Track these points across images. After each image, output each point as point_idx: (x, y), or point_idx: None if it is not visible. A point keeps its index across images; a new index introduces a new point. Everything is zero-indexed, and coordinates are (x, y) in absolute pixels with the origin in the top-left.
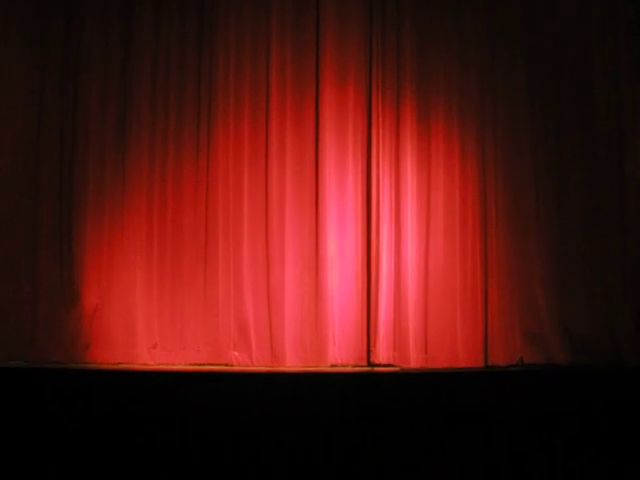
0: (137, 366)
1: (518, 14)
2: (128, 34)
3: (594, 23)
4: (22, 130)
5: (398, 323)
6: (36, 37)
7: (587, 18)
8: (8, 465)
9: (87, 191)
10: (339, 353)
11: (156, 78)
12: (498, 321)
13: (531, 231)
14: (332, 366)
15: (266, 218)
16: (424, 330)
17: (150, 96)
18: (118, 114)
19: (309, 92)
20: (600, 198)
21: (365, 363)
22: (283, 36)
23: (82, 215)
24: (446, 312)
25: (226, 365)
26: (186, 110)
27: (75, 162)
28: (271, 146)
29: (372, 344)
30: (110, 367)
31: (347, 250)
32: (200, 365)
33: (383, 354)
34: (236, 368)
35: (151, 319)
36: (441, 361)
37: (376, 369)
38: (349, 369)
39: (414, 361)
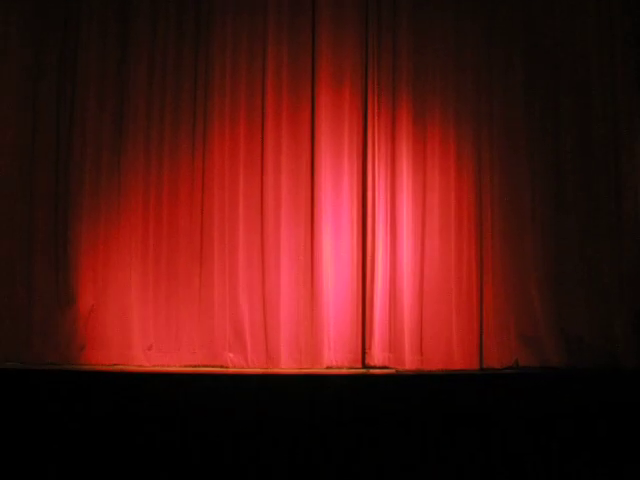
0: (132, 367)
1: (515, 14)
2: (125, 35)
3: (591, 31)
4: (18, 130)
5: (393, 325)
6: (35, 37)
7: (584, 26)
8: (5, 465)
9: (83, 192)
10: (334, 355)
11: (153, 79)
12: (493, 323)
13: (527, 232)
14: (327, 368)
15: (262, 220)
16: (419, 332)
17: (147, 97)
18: (115, 115)
19: (305, 94)
20: (597, 199)
21: (360, 365)
22: (279, 37)
23: (78, 216)
24: (441, 314)
25: (221, 367)
26: (182, 111)
27: (71, 163)
28: (267, 147)
29: (367, 346)
30: (105, 368)
31: (342, 252)
32: (195, 367)
33: (378, 356)
34: (231, 370)
35: (146, 321)
36: (436, 363)
37: (371, 371)
38: (344, 371)
39: (409, 363)
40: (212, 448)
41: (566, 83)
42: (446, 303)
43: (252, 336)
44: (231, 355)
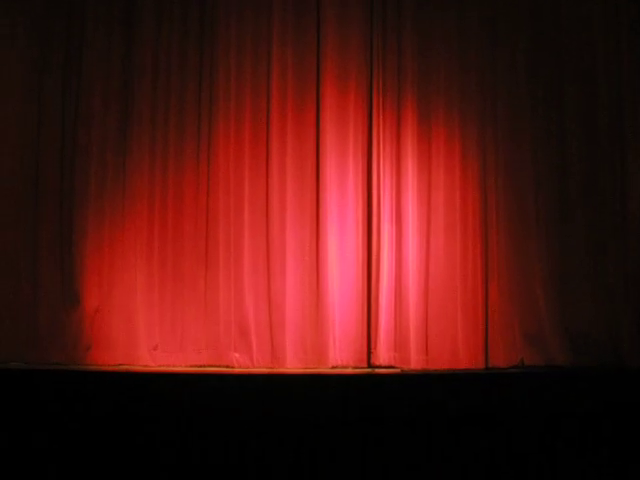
0: (138, 367)
1: (521, 15)
2: (129, 35)
3: (596, 22)
4: (23, 131)
5: (399, 324)
6: (40, 37)
7: (590, 17)
8: (10, 465)
9: (88, 193)
10: (340, 354)
11: (157, 80)
12: (498, 322)
13: (532, 232)
14: (333, 367)
15: (267, 221)
16: (425, 331)
17: (151, 99)
18: (119, 116)
19: (310, 95)
20: (602, 199)
21: (366, 365)
22: (284, 39)
23: (83, 217)
24: (447, 313)
25: (227, 367)
26: (187, 113)
27: (76, 163)
28: (272, 148)
29: (373, 345)
30: (111, 369)
31: (348, 251)
32: (201, 367)
33: (384, 355)
34: (237, 370)
35: (152, 321)
36: (442, 362)
37: (377, 370)
38: (350, 370)
39: (415, 362)
40: (218, 448)
41: (571, 83)
42: (451, 302)
43: (257, 336)
44: (237, 355)
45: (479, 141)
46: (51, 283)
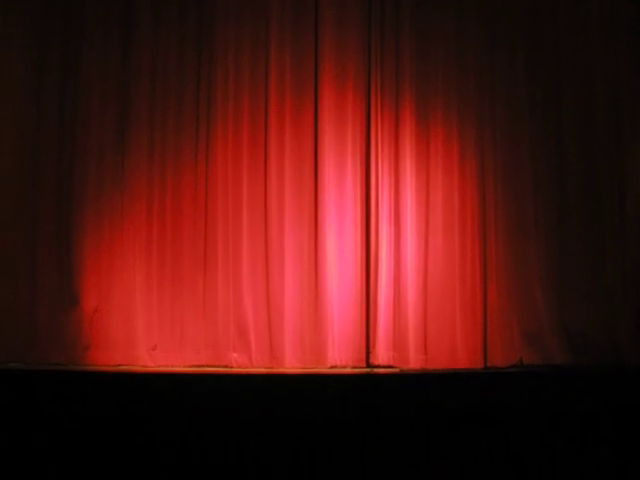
0: (137, 368)
1: (518, 17)
2: (127, 37)
3: (595, 22)
4: (22, 131)
5: (397, 324)
6: (38, 37)
7: (588, 17)
8: (9, 465)
9: (87, 194)
10: (338, 354)
11: (155, 82)
12: (497, 322)
13: (530, 232)
14: (331, 367)
15: (265, 221)
16: (423, 331)
17: (149, 100)
18: (117, 117)
19: (308, 96)
20: (599, 199)
21: (364, 364)
22: (282, 40)
23: (82, 218)
24: (445, 313)
25: (226, 367)
26: (185, 115)
27: (75, 164)
28: (270, 150)
29: (371, 345)
30: (110, 369)
31: (346, 251)
32: (200, 367)
33: (382, 355)
34: (235, 370)
35: (151, 321)
36: (441, 362)
37: (375, 370)
38: (348, 370)
39: (414, 362)
40: (217, 448)
41: (569, 83)
42: (450, 302)
43: (256, 336)
44: (235, 355)
45: (477, 141)
46: (50, 283)
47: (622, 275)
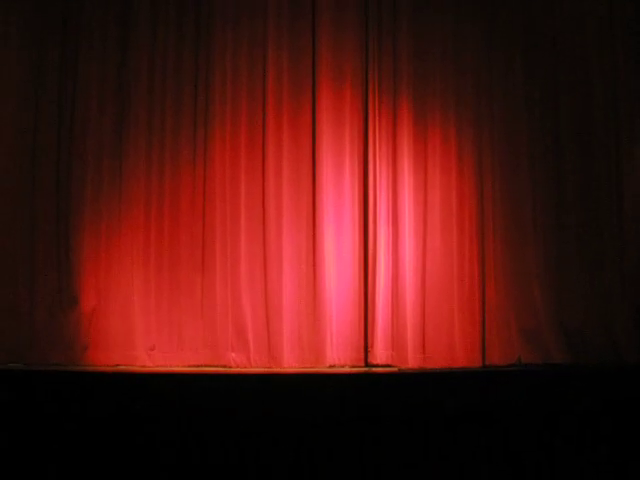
0: (135, 368)
1: (516, 17)
2: (125, 38)
3: (592, 22)
4: (19, 132)
5: (396, 323)
6: (35, 38)
7: (585, 17)
8: (9, 465)
9: (85, 193)
10: (337, 354)
11: (153, 83)
12: (495, 321)
13: (528, 230)
14: (330, 367)
15: (263, 221)
16: (422, 330)
17: (147, 102)
18: (115, 119)
19: (306, 97)
20: (597, 198)
21: (363, 364)
22: (279, 41)
23: (80, 217)
24: (444, 312)
25: (224, 367)
26: (183, 116)
27: (73, 165)
28: (268, 151)
29: (370, 344)
30: (109, 369)
31: (344, 251)
32: (198, 367)
33: (381, 354)
34: (234, 369)
35: (149, 321)
36: (439, 361)
37: (374, 369)
38: (347, 370)
39: (412, 361)
40: (215, 448)
41: (567, 84)
42: (448, 301)
43: (254, 336)
44: (233, 355)
45: (475, 141)
46: (49, 284)
47: (620, 274)
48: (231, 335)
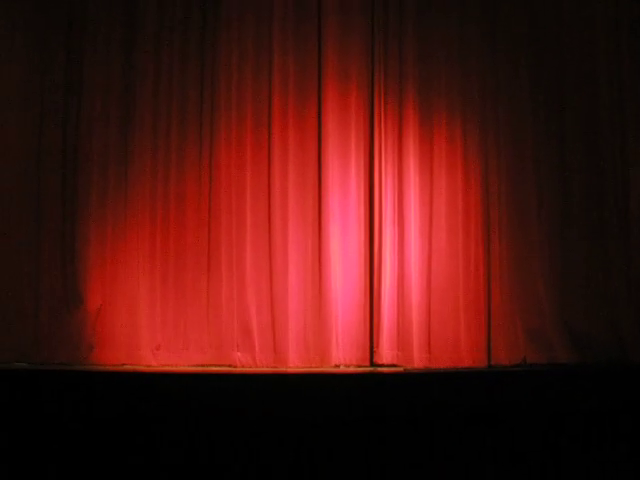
0: (141, 367)
1: (521, 19)
2: (131, 43)
3: (598, 23)
4: (24, 136)
5: (401, 323)
6: (40, 40)
7: (592, 18)
8: (15, 465)
9: (91, 194)
10: (342, 354)
11: (158, 88)
12: (501, 321)
13: (534, 231)
14: (335, 367)
15: (269, 222)
16: (427, 330)
17: (153, 107)
18: (121, 123)
19: (311, 101)
20: (603, 200)
21: (368, 363)
22: (285, 45)
23: (86, 217)
24: (449, 312)
25: (229, 366)
26: (188, 122)
27: (78, 167)
28: (273, 155)
29: (375, 344)
30: (114, 368)
31: (350, 252)
32: (204, 366)
33: (387, 354)
34: (239, 369)
35: (155, 321)
36: (445, 361)
37: (379, 369)
38: (352, 369)
39: (418, 361)
40: (221, 447)
41: (572, 85)
42: (454, 301)
43: (260, 335)
44: (239, 354)
45: (481, 143)
46: (54, 284)
47: (626, 274)
48: (236, 335)
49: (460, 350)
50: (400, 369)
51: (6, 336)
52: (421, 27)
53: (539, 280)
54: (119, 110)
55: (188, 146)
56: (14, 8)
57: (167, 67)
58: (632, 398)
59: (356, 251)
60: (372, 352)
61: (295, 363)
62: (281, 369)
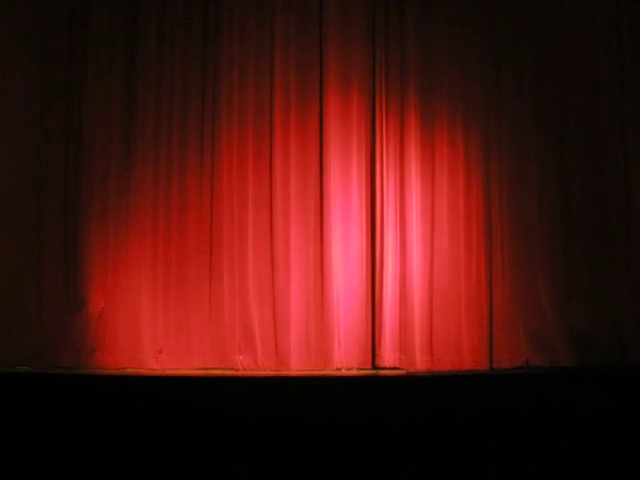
0: (143, 371)
1: (522, 21)
2: (132, 50)
3: (598, 25)
4: (27, 142)
5: (403, 326)
6: (43, 56)
7: (591, 19)
8: (17, 468)
9: (93, 195)
10: (344, 356)
11: (160, 96)
12: (503, 324)
13: (535, 234)
14: (337, 369)
15: (271, 226)
16: (429, 333)
17: (154, 116)
18: (122, 133)
19: (313, 108)
20: (605, 202)
21: (370, 366)
22: (287, 53)
23: (88, 219)
24: (451, 315)
25: (231, 369)
26: (190, 129)
27: (82, 166)
28: (275, 162)
29: (377, 347)
30: (116, 372)
31: (352, 255)
32: (206, 369)
33: (388, 357)
34: (241, 372)
35: (157, 324)
36: (446, 364)
37: (381, 372)
38: (354, 372)
39: (420, 364)
40: (223, 450)
41: (574, 87)
42: (456, 304)
43: (262, 338)
44: (241, 358)
45: (482, 147)
46: (57, 287)
47: (627, 276)
48: (238, 338)
49: (462, 353)
50: (402, 372)
51: (9, 340)
52: (422, 33)
53: (540, 283)
54: (121, 119)
55: (190, 154)
56: (14, 8)
57: (169, 76)
58: (634, 401)
59: (358, 255)
60: (374, 355)
61: (297, 366)
62: (283, 372)
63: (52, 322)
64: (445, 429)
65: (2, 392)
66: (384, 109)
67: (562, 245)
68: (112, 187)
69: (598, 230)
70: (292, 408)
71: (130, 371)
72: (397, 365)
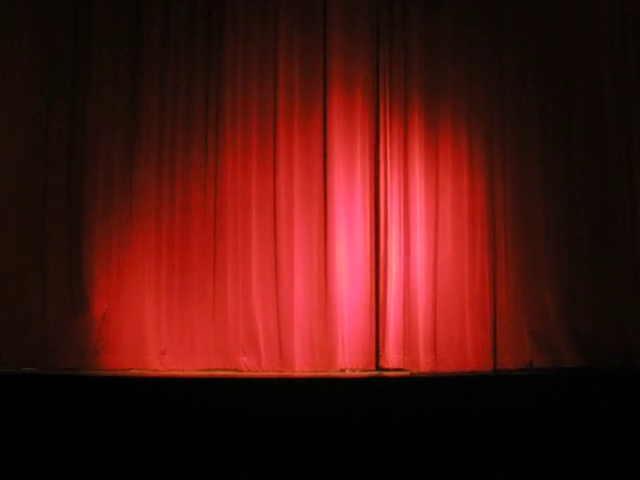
0: (147, 372)
1: (527, 22)
2: (136, 51)
3: (602, 25)
4: (31, 142)
5: (407, 327)
6: (46, 58)
7: (595, 19)
8: (21, 469)
9: (97, 196)
10: (348, 358)
11: (164, 98)
12: (507, 325)
13: (540, 236)
14: (341, 371)
15: (274, 227)
16: (433, 334)
17: (159, 117)
18: (126, 133)
19: (317, 108)
20: (610, 204)
21: (374, 367)
22: (291, 55)
23: (92, 221)
24: (455, 316)
25: (235, 371)
26: (194, 130)
27: (85, 169)
28: (279, 163)
29: (381, 348)
30: (121, 373)
31: (356, 257)
32: (209, 371)
33: (392, 358)
34: (245, 374)
35: (161, 326)
36: (450, 365)
37: (385, 373)
38: (358, 374)
39: (424, 365)
40: (227, 452)
41: (578, 89)
42: (460, 305)
43: (266, 340)
44: (245, 359)
45: (487, 147)
46: (61, 289)
47: (632, 277)
48: (242, 339)
49: (466, 354)
50: (406, 373)
51: (13, 341)
52: (426, 32)
53: (545, 284)
54: (126, 121)
55: (194, 156)
56: (16, 8)
57: (173, 78)
58: (639, 402)
59: (362, 256)
60: (378, 356)
61: (301, 367)
62: (287, 373)
63: (56, 323)
64: (449, 430)
65: (7, 393)
66: (388, 110)
67: (566, 246)
68: (116, 188)
69: (602, 230)
70: (296, 409)
71: (134, 372)
72: (401, 366)
